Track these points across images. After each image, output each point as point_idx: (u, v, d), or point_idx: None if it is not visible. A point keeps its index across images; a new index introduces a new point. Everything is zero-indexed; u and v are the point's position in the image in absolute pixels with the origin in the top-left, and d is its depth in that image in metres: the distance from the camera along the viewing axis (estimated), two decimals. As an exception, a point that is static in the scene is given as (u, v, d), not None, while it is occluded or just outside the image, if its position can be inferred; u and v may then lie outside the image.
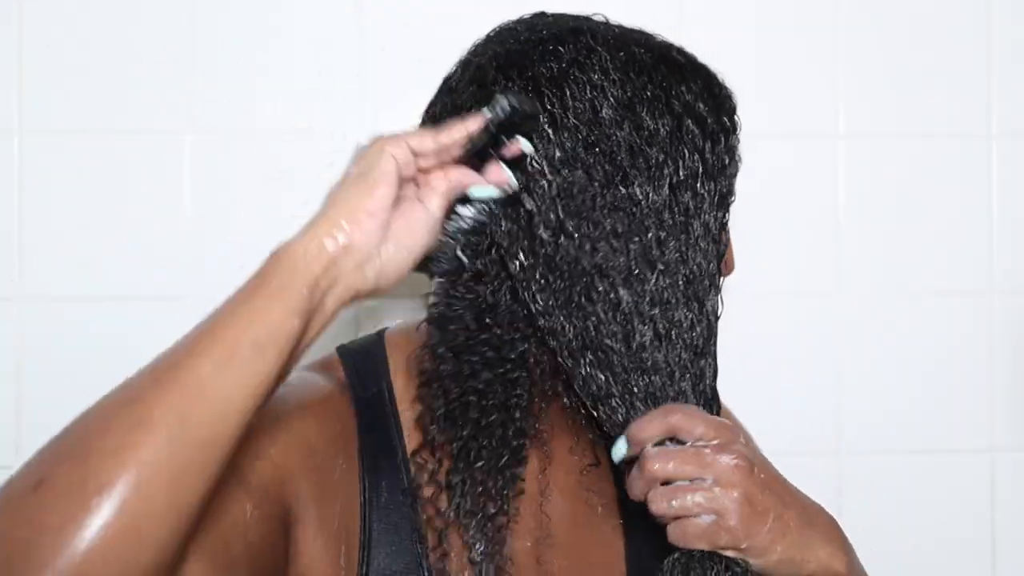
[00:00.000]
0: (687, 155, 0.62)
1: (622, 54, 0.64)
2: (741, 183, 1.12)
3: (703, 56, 0.70)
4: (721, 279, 0.65)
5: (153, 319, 1.07)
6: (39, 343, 1.06)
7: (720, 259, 0.65)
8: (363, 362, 0.74)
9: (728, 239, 0.71)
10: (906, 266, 1.14)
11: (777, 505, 0.61)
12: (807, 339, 1.13)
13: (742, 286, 1.10)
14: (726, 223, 0.66)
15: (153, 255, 1.07)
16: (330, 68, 1.09)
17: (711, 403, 0.64)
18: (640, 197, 0.61)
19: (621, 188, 0.61)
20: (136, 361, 1.06)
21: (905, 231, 1.14)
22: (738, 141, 0.69)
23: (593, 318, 0.62)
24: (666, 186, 0.61)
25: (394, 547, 0.66)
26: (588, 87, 0.62)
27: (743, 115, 1.10)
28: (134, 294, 1.07)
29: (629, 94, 0.62)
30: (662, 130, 0.62)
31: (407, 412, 0.72)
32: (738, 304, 1.11)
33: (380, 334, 0.78)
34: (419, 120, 0.74)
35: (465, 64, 0.69)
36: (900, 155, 1.14)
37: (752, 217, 1.11)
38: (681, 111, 0.63)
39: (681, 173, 0.62)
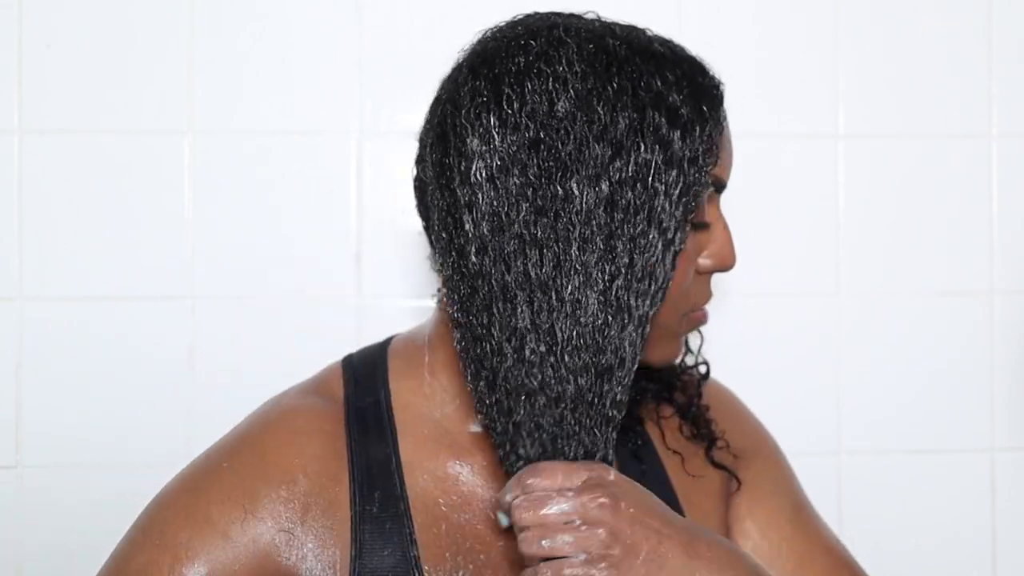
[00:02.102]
0: (644, 148, 0.61)
1: (592, 46, 0.63)
2: (742, 183, 1.12)
3: (703, 56, 0.70)
4: (671, 273, 0.63)
5: (153, 319, 1.07)
6: (39, 343, 1.06)
7: (673, 253, 0.63)
8: (364, 372, 0.75)
9: (723, 233, 0.70)
10: (906, 266, 1.14)
11: (651, 538, 0.60)
12: (807, 339, 1.13)
13: (741, 286, 1.11)
14: (687, 216, 0.64)
15: (153, 255, 1.07)
16: (330, 68, 1.09)
17: (618, 403, 0.62)
18: (576, 194, 0.60)
19: (557, 186, 0.60)
20: (135, 361, 1.07)
21: (905, 231, 1.14)
22: (720, 131, 0.67)
23: (492, 339, 0.61)
24: (607, 182, 0.60)
25: (387, 552, 0.67)
26: (550, 80, 0.62)
27: (744, 115, 1.11)
28: (134, 294, 1.07)
29: (589, 86, 0.61)
30: (621, 123, 0.61)
31: (403, 417, 0.72)
32: (737, 304, 1.12)
33: (386, 342, 0.79)
34: (420, 124, 0.74)
35: (453, 66, 0.70)
36: (900, 155, 1.14)
37: (752, 217, 1.11)
38: (648, 102, 0.62)
39: (631, 168, 0.61)
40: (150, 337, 1.07)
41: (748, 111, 1.11)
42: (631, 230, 0.61)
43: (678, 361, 0.80)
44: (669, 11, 1.11)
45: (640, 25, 0.70)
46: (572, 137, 0.60)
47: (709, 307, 0.75)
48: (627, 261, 0.61)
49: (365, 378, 0.75)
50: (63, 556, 1.07)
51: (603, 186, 0.60)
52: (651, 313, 0.62)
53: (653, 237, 0.61)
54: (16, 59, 1.06)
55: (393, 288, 1.09)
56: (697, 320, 0.73)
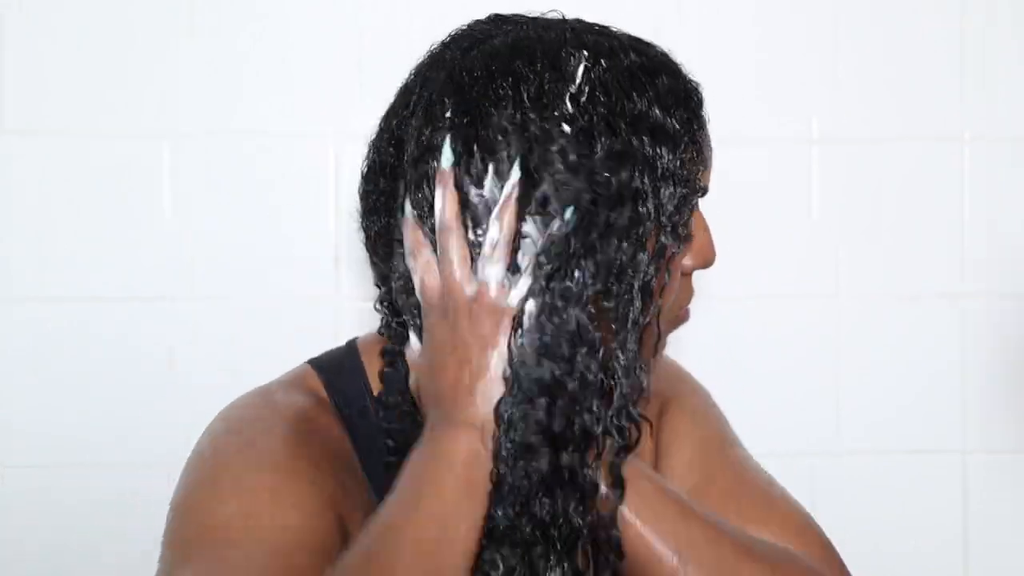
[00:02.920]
0: (633, 174, 0.60)
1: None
2: (742, 185, 1.12)
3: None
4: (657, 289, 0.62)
5: (143, 320, 1.07)
6: (39, 343, 1.06)
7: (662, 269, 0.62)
8: (340, 377, 0.72)
9: (703, 233, 0.68)
10: (906, 268, 1.14)
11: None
12: (806, 341, 1.13)
13: (743, 288, 1.11)
14: (677, 231, 0.62)
15: (135, 257, 1.07)
16: (330, 68, 1.09)
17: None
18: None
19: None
20: (116, 361, 1.07)
21: (905, 233, 1.14)
22: (703, 137, 0.65)
23: None
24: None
25: None
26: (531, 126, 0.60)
27: (744, 117, 1.11)
28: (121, 295, 1.07)
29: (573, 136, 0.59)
30: (615, 173, 0.59)
31: (394, 427, 0.69)
32: (738, 306, 1.12)
33: (351, 344, 0.76)
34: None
35: (416, 80, 0.68)
36: (900, 158, 1.13)
37: (752, 219, 1.11)
38: (627, 129, 0.60)
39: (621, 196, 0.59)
40: (142, 338, 1.07)
41: (748, 112, 1.11)
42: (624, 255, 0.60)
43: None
44: (669, 11, 1.11)
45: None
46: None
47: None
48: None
49: (345, 384, 0.72)
50: (63, 556, 1.07)
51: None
52: (642, 324, 0.61)
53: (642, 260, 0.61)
54: (15, 59, 1.06)
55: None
56: (681, 319, 0.71)
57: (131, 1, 1.07)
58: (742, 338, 1.12)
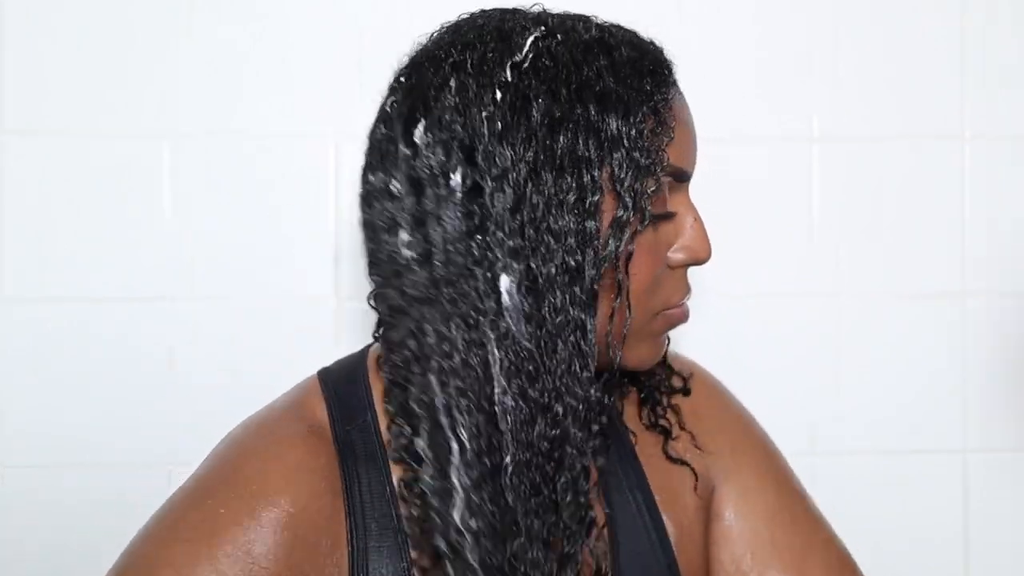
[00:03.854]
0: (579, 141, 0.59)
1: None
2: (743, 183, 1.12)
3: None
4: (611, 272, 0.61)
5: (138, 320, 1.07)
6: (21, 344, 1.06)
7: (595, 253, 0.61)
8: (347, 388, 0.70)
9: (695, 225, 0.66)
10: (907, 267, 1.14)
11: None
12: (807, 339, 1.13)
13: (743, 286, 1.11)
14: (636, 199, 0.61)
15: (135, 257, 1.07)
16: (330, 68, 1.09)
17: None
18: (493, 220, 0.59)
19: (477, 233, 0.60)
20: (116, 361, 1.07)
21: (906, 232, 1.14)
22: (667, 112, 0.63)
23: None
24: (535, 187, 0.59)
25: None
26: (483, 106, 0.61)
27: (744, 115, 1.11)
28: (118, 296, 1.07)
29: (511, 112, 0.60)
30: (562, 140, 0.60)
31: (390, 444, 0.67)
32: (737, 305, 1.11)
33: (363, 355, 0.73)
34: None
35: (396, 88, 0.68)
36: (901, 156, 1.14)
37: (753, 217, 1.11)
38: (575, 97, 0.60)
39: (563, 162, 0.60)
40: (142, 338, 1.07)
41: (748, 111, 1.11)
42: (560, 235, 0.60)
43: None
44: (669, 10, 1.11)
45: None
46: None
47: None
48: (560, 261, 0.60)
49: (347, 397, 0.69)
50: (63, 556, 1.07)
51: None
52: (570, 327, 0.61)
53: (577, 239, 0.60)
54: (15, 59, 1.06)
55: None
56: (675, 318, 0.68)
57: (131, 1, 1.07)
58: (742, 336, 1.12)
